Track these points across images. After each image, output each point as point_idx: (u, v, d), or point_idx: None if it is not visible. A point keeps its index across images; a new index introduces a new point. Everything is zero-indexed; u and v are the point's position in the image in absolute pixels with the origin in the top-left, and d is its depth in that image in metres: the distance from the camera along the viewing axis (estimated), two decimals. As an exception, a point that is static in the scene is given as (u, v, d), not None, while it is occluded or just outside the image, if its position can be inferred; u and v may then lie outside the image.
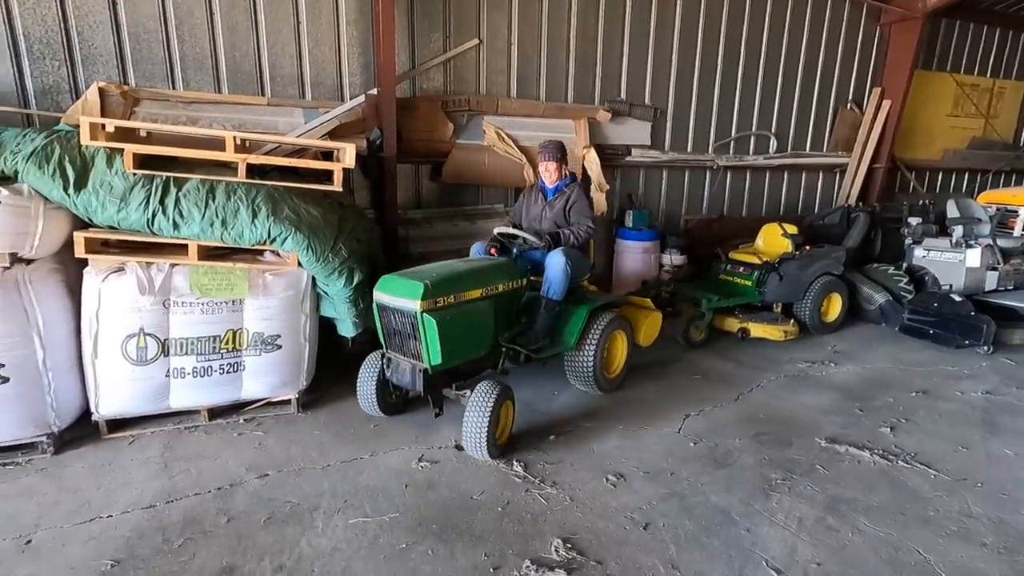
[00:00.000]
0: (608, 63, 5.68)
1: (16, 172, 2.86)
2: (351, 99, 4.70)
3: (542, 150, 3.88)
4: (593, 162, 5.41)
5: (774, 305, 5.19)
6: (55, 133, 3.04)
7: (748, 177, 6.68)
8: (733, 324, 4.98)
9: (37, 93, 3.94)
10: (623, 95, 5.82)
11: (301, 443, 3.18)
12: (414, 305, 2.91)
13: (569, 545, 2.40)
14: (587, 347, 3.65)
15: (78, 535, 2.42)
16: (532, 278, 3.71)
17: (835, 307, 5.36)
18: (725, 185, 6.59)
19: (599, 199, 5.41)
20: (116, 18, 4.04)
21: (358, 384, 3.38)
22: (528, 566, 2.27)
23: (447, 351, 2.97)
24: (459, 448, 3.13)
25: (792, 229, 5.38)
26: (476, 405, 2.91)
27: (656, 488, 2.84)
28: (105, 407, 3.12)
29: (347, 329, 3.65)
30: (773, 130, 6.64)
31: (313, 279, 3.45)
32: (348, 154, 3.36)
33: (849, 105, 7.01)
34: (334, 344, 3.91)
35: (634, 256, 5.83)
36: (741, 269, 5.23)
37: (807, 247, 5.31)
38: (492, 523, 2.55)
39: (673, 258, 5.91)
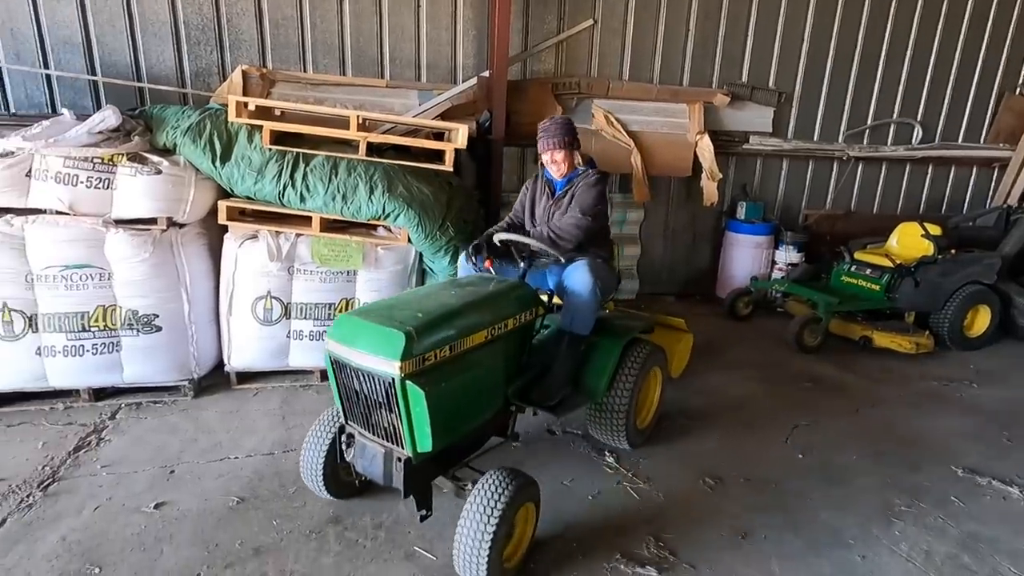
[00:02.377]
0: (730, 43, 5.32)
1: (175, 145, 3.22)
2: (463, 81, 4.79)
3: (542, 134, 2.82)
4: (706, 149, 5.12)
5: (906, 314, 4.66)
6: (207, 111, 3.37)
7: (883, 170, 6.00)
8: (854, 331, 4.54)
9: (192, 75, 4.39)
10: (744, 78, 5.43)
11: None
12: (391, 369, 1.87)
13: (661, 544, 2.33)
14: (620, 393, 2.76)
15: (210, 471, 2.72)
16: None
17: (982, 321, 4.70)
18: (855, 178, 5.98)
19: (710, 188, 5.13)
20: (260, 6, 4.39)
21: (301, 452, 2.41)
22: (618, 559, 2.23)
23: (441, 430, 1.97)
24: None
25: (935, 230, 4.77)
26: (476, 514, 1.92)
27: (758, 497, 2.67)
28: (236, 360, 3.46)
29: (449, 306, 3.76)
30: (919, 118, 5.90)
31: (420, 255, 3.58)
32: (461, 135, 3.43)
33: (1018, 90, 6.06)
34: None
35: (744, 251, 5.48)
36: (868, 271, 4.73)
37: (952, 251, 4.70)
38: (583, 511, 2.53)
39: (788, 255, 5.48)
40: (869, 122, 5.81)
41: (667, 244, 5.76)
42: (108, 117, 3.09)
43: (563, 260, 2.69)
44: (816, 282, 5.09)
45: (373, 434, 2.13)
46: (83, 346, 3.14)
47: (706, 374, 4.00)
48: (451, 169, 3.52)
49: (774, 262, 5.56)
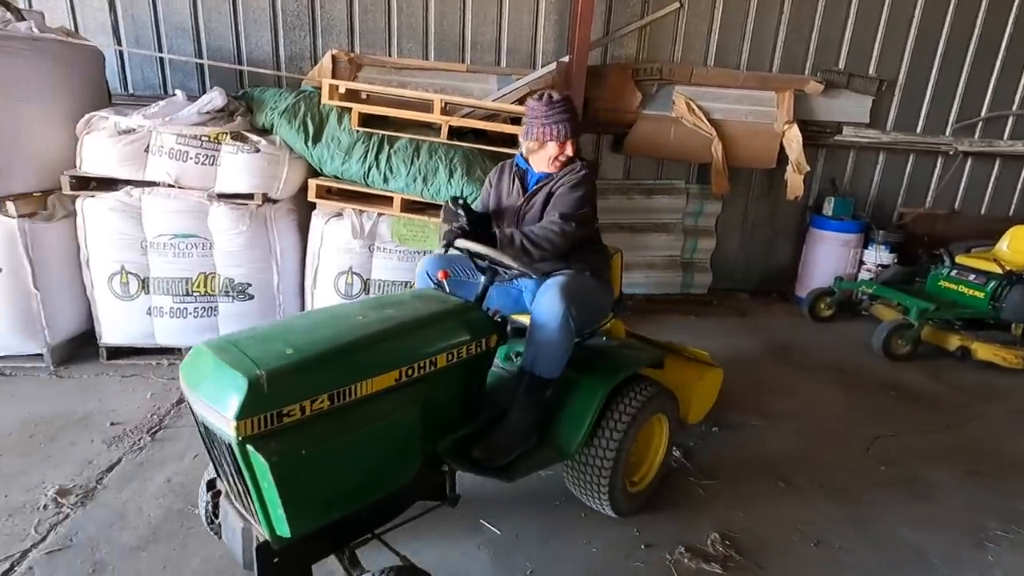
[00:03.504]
0: (828, 26, 4.99)
1: (272, 125, 3.43)
2: (543, 67, 4.77)
3: (547, 116, 2.16)
4: (794, 139, 4.85)
5: (1013, 325, 4.26)
6: (302, 93, 3.56)
7: (996, 167, 5.47)
8: (951, 340, 4.21)
9: (286, 59, 4.63)
10: (841, 64, 5.09)
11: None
12: (227, 427, 1.37)
13: (727, 542, 2.29)
14: (602, 448, 2.13)
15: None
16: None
17: (1104, 338, 4.23)
18: (962, 175, 5.49)
19: (795, 181, 4.88)
20: (351, -8, 4.56)
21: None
22: (681, 552, 2.22)
23: (308, 510, 1.50)
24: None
25: (1055, 235, 4.32)
26: None
27: (833, 505, 2.56)
28: (317, 330, 3.67)
29: (519, 290, 3.80)
30: (1044, 110, 5.32)
31: (494, 239, 3.64)
32: (540, 120, 3.43)
33: None
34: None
35: (830, 249, 5.17)
36: (972, 277, 4.36)
37: (1077, 259, 4.24)
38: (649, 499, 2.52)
39: (879, 255, 5.13)
40: (984, 113, 5.30)
41: (744, 238, 5.54)
42: (215, 98, 3.33)
43: (534, 276, 2.04)
44: (909, 286, 4.74)
45: (236, 500, 1.65)
46: (186, 309, 3.43)
47: (782, 375, 3.85)
48: (528, 154, 3.53)
49: (862, 262, 5.23)
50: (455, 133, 3.61)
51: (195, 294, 3.42)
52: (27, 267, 3.20)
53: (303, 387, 1.47)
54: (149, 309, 3.42)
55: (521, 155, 2.36)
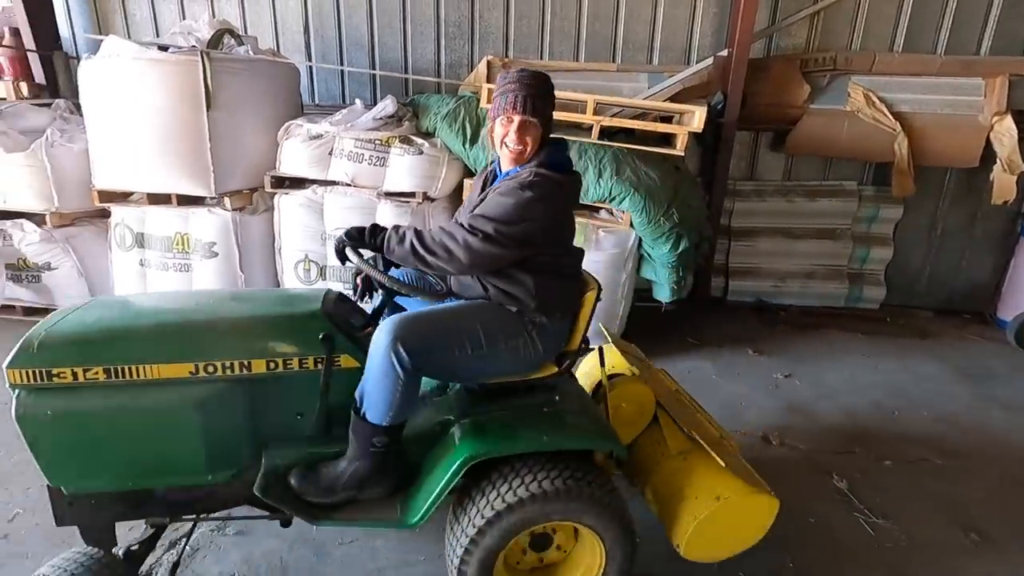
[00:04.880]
0: (1061, -3, 4.15)
1: (434, 129, 3.70)
2: (697, 62, 4.56)
3: (504, 90, 1.69)
4: (1006, 133, 4.11)
5: None
6: (461, 98, 3.79)
7: None
8: None
9: (446, 66, 4.95)
10: (1077, 41, 4.20)
11: (606, 391, 3.41)
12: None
13: (904, 594, 2.02)
14: (455, 538, 1.68)
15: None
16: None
17: None
18: None
19: (1004, 183, 4.13)
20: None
21: None
22: (847, 595, 2.00)
23: (66, 469, 1.61)
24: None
25: None
26: None
27: (1047, 572, 2.14)
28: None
29: (663, 294, 3.70)
30: None
31: (640, 241, 3.57)
32: (697, 118, 3.30)
33: None
34: (648, 304, 4.03)
35: (1047, 264, 4.31)
36: None
37: None
38: (800, 531, 2.31)
39: (1121, 275, 4.15)
40: None
41: (930, 248, 4.82)
42: (387, 105, 3.67)
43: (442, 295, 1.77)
44: None
45: None
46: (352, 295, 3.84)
47: (974, 410, 3.30)
48: (681, 154, 3.42)
49: (1094, 282, 4.28)
50: (605, 133, 3.60)
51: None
52: (236, 252, 3.80)
53: (77, 356, 1.54)
54: (325, 293, 3.87)
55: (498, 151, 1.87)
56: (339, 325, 1.72)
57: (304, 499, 1.67)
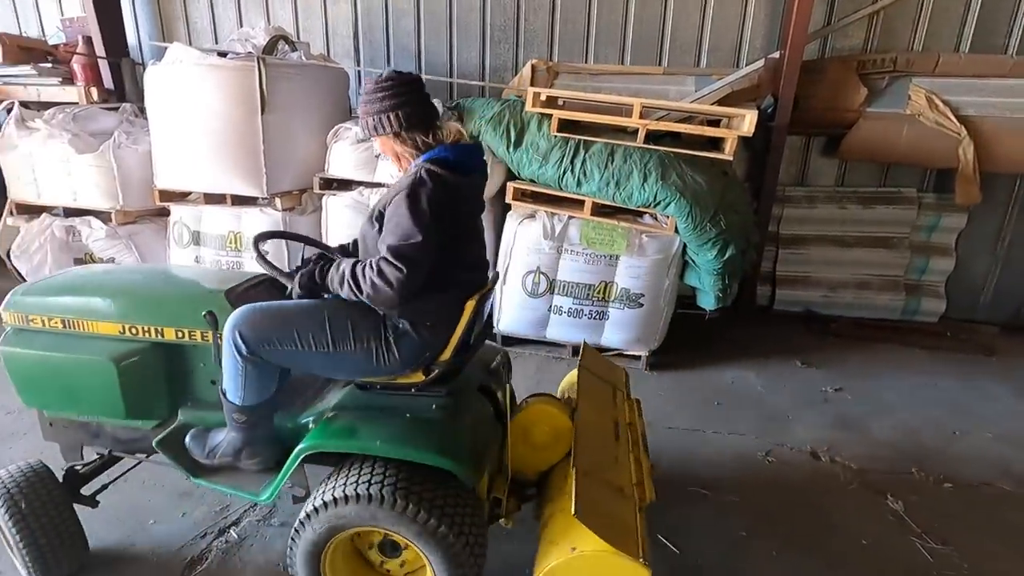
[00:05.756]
0: None
1: (479, 132, 3.72)
2: (746, 65, 4.45)
3: (367, 99, 1.68)
4: (1085, 139, 3.84)
5: None
6: (506, 102, 3.80)
7: None
8: None
9: (490, 70, 4.99)
10: None
11: (645, 400, 3.35)
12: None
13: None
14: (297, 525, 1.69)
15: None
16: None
17: None
18: None
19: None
20: (554, 3, 4.73)
21: None
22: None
23: (29, 393, 2.00)
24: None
25: None
26: None
27: None
28: (503, 324, 3.90)
29: (707, 301, 3.61)
30: None
31: (684, 247, 3.50)
32: (747, 121, 3.21)
33: None
34: (691, 311, 3.95)
35: None
36: None
37: None
38: (852, 553, 2.21)
39: None
40: None
41: (996, 259, 4.55)
42: (433, 109, 3.72)
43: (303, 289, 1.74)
44: None
45: None
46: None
47: (1046, 433, 3.09)
48: (730, 158, 3.33)
49: None
50: (650, 137, 3.54)
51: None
52: (284, 251, 3.92)
53: (44, 307, 1.92)
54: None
55: None
56: (237, 306, 1.79)
57: (190, 457, 1.88)
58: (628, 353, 3.77)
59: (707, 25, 4.54)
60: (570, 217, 3.57)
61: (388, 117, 1.63)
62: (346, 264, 1.63)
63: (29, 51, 5.28)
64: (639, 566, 1.42)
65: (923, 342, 4.22)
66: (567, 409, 1.97)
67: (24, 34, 5.69)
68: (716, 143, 3.55)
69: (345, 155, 3.83)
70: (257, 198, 3.93)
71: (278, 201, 3.87)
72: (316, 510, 1.61)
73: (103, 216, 4.22)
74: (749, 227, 3.73)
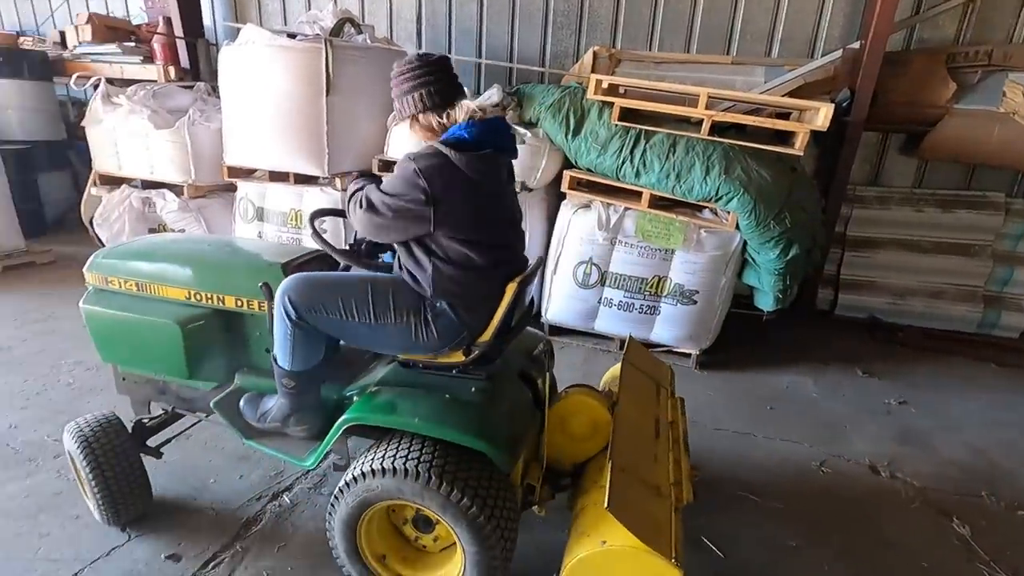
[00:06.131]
0: None
1: (538, 119, 3.69)
2: (821, 55, 4.22)
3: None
4: None
5: None
6: (567, 89, 3.75)
7: None
8: None
9: (551, 56, 4.93)
10: None
11: (693, 399, 3.27)
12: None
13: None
14: (335, 496, 1.73)
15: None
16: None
17: None
18: None
19: None
20: (620, -12, 4.63)
21: None
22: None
23: (107, 350, 2.14)
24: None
25: None
26: None
27: None
28: (551, 314, 3.88)
29: (766, 302, 3.48)
30: None
31: (744, 244, 3.38)
32: (822, 115, 3.05)
33: None
34: (746, 311, 3.82)
35: None
36: None
37: None
38: (912, 571, 2.10)
39: None
40: None
41: (1092, 274, 4.18)
42: (493, 95, 3.71)
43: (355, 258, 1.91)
44: None
45: None
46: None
47: None
48: (800, 153, 3.18)
49: None
50: (715, 129, 3.42)
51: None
52: (341, 230, 4.02)
53: (121, 270, 2.06)
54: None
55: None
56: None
57: (243, 419, 1.97)
58: (678, 350, 3.69)
59: (782, 13, 4.33)
60: (626, 208, 3.50)
61: (406, 100, 1.69)
62: (356, 184, 1.78)
63: (115, 30, 5.59)
64: (670, 566, 1.38)
65: (999, 358, 3.93)
66: (607, 402, 1.95)
67: (111, 14, 6.02)
68: (784, 137, 3.39)
69: (403, 138, 3.88)
70: (318, 177, 4.04)
71: (337, 181, 3.96)
72: (354, 479, 1.65)
73: (176, 189, 4.45)
74: (816, 226, 3.56)
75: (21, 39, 5.87)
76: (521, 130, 3.64)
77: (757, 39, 4.43)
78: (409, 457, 1.60)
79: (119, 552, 2.01)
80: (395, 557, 1.82)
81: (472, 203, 1.64)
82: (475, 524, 1.58)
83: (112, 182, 4.71)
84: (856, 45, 4.02)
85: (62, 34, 5.89)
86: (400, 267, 1.75)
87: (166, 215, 4.43)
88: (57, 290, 4.33)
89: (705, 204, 3.35)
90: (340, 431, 1.75)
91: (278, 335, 1.80)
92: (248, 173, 4.30)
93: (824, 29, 4.27)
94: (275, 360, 1.84)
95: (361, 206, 1.65)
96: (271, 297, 1.83)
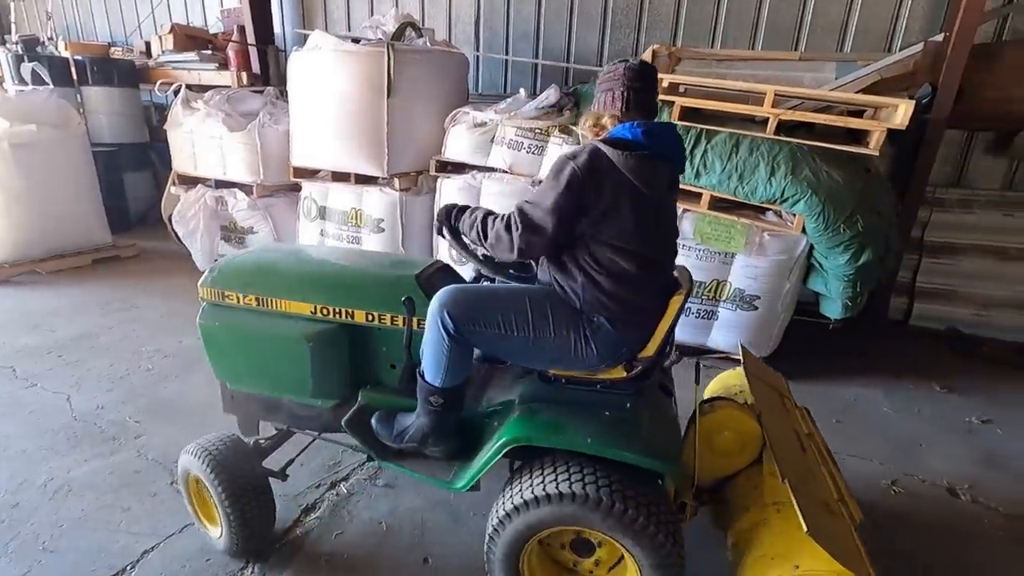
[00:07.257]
0: None
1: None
2: (899, 49, 3.98)
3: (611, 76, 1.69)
4: None
5: None
6: (625, 88, 3.69)
7: None
8: None
9: (609, 55, 4.88)
10: None
11: (754, 407, 3.15)
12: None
13: None
14: (493, 516, 1.65)
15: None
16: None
17: None
18: None
19: None
20: (682, -16, 4.52)
21: None
22: None
23: (222, 367, 2.07)
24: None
25: None
26: None
27: None
28: (604, 316, 3.83)
29: (833, 310, 3.31)
30: None
31: (811, 248, 3.22)
32: (901, 112, 2.87)
33: None
34: (811, 319, 3.65)
35: None
36: None
37: None
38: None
39: None
40: None
41: None
42: (550, 95, 3.71)
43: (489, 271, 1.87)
44: None
45: None
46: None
47: None
48: (875, 153, 3.00)
49: None
50: (781, 128, 3.28)
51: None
52: (399, 229, 4.13)
53: (240, 284, 1.95)
54: (473, 275, 4.03)
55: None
56: (428, 291, 1.79)
57: (377, 439, 1.87)
58: (735, 357, 3.56)
59: (856, 4, 4.11)
60: (685, 210, 3.41)
61: (600, 99, 1.68)
62: (481, 210, 1.73)
63: (194, 39, 5.95)
64: None
65: (1101, 378, 3.58)
66: (753, 415, 1.85)
67: (190, 23, 6.42)
68: (858, 136, 3.22)
69: (461, 139, 3.94)
70: (378, 178, 4.16)
71: (396, 181, 4.06)
72: (516, 508, 1.55)
73: (246, 188, 4.68)
74: (891, 231, 3.35)
75: (112, 49, 6.35)
76: (578, 131, 3.61)
77: (827, 33, 4.22)
78: (586, 481, 1.51)
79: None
80: None
81: (630, 208, 1.53)
82: (657, 546, 1.50)
83: (189, 181, 5.02)
84: (939, 37, 3.76)
85: (148, 44, 6.34)
86: (550, 278, 1.66)
87: (236, 213, 4.68)
88: (140, 283, 4.64)
89: (769, 206, 3.22)
90: (503, 452, 1.63)
91: (431, 350, 1.69)
92: (312, 173, 4.47)
93: (903, 21, 4.03)
94: (422, 376, 1.74)
95: (515, 228, 1.55)
96: (413, 312, 1.78)
